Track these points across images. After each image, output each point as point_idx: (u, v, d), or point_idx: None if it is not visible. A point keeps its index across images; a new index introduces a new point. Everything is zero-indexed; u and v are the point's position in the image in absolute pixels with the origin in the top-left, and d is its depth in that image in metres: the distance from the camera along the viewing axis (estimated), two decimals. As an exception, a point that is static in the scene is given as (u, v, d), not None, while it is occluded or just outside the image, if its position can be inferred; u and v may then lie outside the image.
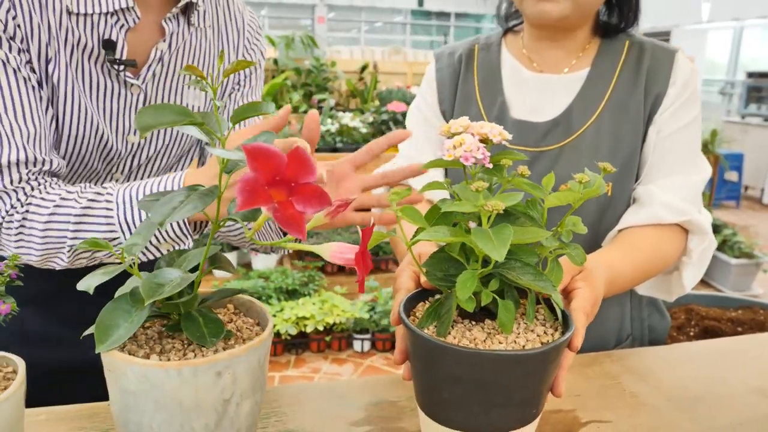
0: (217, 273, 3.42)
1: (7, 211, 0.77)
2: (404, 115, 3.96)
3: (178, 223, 0.75)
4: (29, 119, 0.79)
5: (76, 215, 0.75)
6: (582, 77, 1.02)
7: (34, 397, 0.69)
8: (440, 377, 0.60)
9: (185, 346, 0.56)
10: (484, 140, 0.63)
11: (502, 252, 0.50)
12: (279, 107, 4.41)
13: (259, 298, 3.28)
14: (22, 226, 0.77)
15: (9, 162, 0.76)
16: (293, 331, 3.06)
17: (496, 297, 0.60)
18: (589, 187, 0.62)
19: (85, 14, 0.82)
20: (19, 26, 0.78)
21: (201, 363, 0.51)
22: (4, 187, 0.76)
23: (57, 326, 0.98)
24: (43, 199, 0.77)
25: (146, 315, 0.53)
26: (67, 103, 0.84)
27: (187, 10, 0.90)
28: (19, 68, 0.78)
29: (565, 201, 0.60)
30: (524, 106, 1.03)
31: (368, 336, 3.13)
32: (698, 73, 1.02)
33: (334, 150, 3.82)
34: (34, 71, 0.81)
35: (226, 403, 0.53)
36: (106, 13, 0.83)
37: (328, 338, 3.14)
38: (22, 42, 0.79)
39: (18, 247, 0.77)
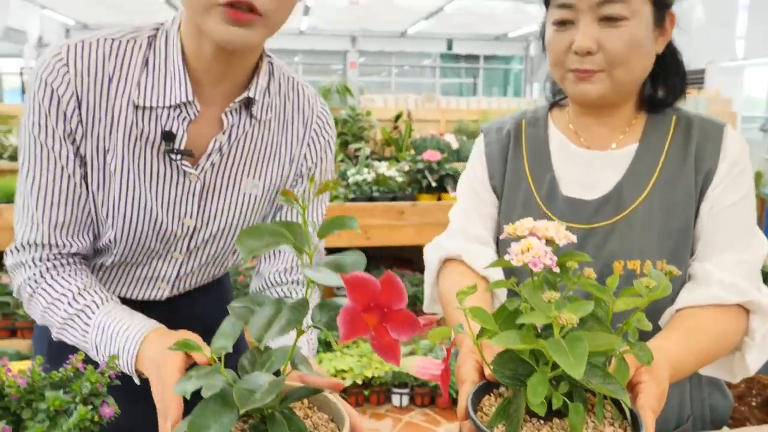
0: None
1: (24, 280, 0.88)
2: (439, 164, 4.02)
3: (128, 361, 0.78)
4: (62, 210, 0.87)
5: (62, 318, 0.85)
6: (630, 153, 1.04)
7: None
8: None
9: (270, 447, 0.59)
10: (549, 241, 0.66)
11: (580, 370, 0.52)
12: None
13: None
14: (29, 301, 0.89)
15: (35, 242, 0.87)
16: None
17: (567, 401, 0.62)
18: (655, 290, 0.63)
19: (150, 108, 0.87)
20: (81, 122, 0.84)
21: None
22: (25, 261, 0.88)
23: None
24: (50, 286, 0.87)
25: (236, 417, 0.56)
26: (122, 189, 0.89)
27: (248, 104, 0.93)
28: (66, 164, 0.85)
29: (632, 305, 0.62)
30: (574, 183, 1.05)
31: (407, 390, 3.11)
32: (747, 146, 1.03)
33: (371, 199, 3.87)
34: (84, 164, 0.87)
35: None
36: (169, 107, 0.87)
37: (366, 392, 3.13)
38: (81, 137, 0.85)
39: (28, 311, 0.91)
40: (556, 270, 0.63)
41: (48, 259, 0.87)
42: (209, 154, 0.92)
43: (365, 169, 4.07)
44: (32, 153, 0.85)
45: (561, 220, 1.01)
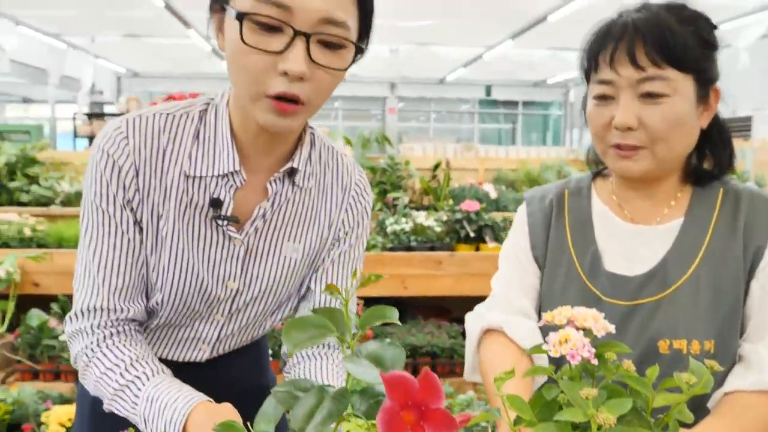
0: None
1: (81, 349, 0.91)
2: (477, 213, 4.02)
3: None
4: (121, 274, 0.91)
5: (113, 389, 0.88)
6: (675, 228, 1.02)
7: None
8: None
9: None
10: (587, 331, 0.66)
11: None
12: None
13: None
14: (84, 370, 0.92)
15: (94, 307, 0.90)
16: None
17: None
18: (696, 386, 0.63)
19: (200, 177, 0.92)
20: (138, 190, 0.90)
21: None
22: (84, 328, 0.91)
23: None
24: (104, 356, 0.90)
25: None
26: (171, 253, 0.94)
27: (291, 173, 0.98)
28: (126, 230, 0.91)
29: (672, 401, 0.61)
30: (617, 257, 1.04)
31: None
32: None
33: (409, 249, 3.89)
34: (141, 230, 0.93)
35: None
36: (218, 176, 0.93)
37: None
38: (138, 204, 0.91)
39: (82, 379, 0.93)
40: (595, 362, 0.63)
41: (105, 326, 0.91)
42: (253, 220, 0.96)
43: (403, 219, 4.11)
44: (94, 221, 0.90)
45: (603, 296, 1.02)
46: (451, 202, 4.47)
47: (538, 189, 1.19)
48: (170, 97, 4.74)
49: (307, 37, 0.80)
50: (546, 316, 0.68)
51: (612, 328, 0.66)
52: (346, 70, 0.87)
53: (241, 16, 0.79)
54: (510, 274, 1.13)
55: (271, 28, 0.80)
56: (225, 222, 0.94)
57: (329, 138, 1.08)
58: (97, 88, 11.61)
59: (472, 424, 0.65)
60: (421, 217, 4.08)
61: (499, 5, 7.10)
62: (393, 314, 0.59)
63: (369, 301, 3.82)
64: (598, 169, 1.15)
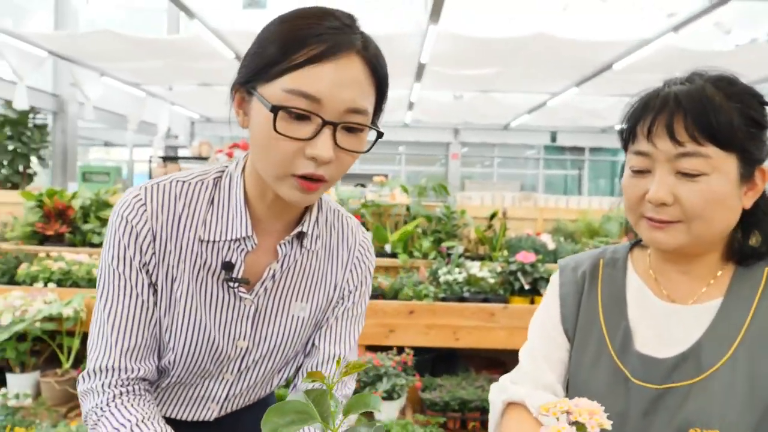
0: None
1: (91, 407, 0.93)
2: (533, 265, 3.93)
3: None
4: (134, 335, 0.94)
5: None
6: (713, 308, 0.96)
7: None
8: None
9: None
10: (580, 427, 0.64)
11: None
12: (410, 253, 4.57)
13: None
14: (94, 427, 0.93)
15: (106, 367, 0.93)
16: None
17: None
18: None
19: (214, 241, 0.96)
20: (154, 254, 0.95)
21: None
22: (95, 387, 0.94)
23: None
24: (112, 415, 0.92)
25: None
26: (185, 314, 0.97)
27: (300, 236, 1.01)
28: (141, 292, 0.94)
29: None
30: (650, 337, 0.98)
31: None
32: None
33: (461, 299, 3.84)
34: (155, 292, 0.96)
35: None
36: (230, 240, 0.96)
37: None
38: (153, 267, 0.95)
39: None
40: (590, 460, 0.61)
41: (116, 386, 0.94)
42: (263, 281, 1.00)
43: (457, 269, 4.07)
44: (111, 283, 0.95)
45: (633, 377, 0.97)
46: (506, 252, 4.40)
47: (572, 258, 1.15)
48: (234, 145, 4.96)
49: (334, 126, 0.84)
50: (542, 407, 0.66)
51: (608, 425, 0.63)
52: (367, 152, 0.91)
53: (276, 109, 0.83)
54: (537, 348, 1.09)
55: (301, 116, 0.84)
56: (236, 284, 0.98)
57: (335, 201, 1.12)
58: (172, 132, 12.30)
59: None
60: (475, 268, 4.03)
61: (563, 54, 7.08)
62: (376, 404, 0.59)
63: (419, 351, 3.77)
64: (636, 239, 1.10)
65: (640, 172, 0.95)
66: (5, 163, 8.06)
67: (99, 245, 4.51)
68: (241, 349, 1.03)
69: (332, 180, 0.89)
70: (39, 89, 9.25)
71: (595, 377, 1.00)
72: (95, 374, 0.95)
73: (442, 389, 3.62)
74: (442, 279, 3.97)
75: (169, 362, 1.01)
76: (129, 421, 0.91)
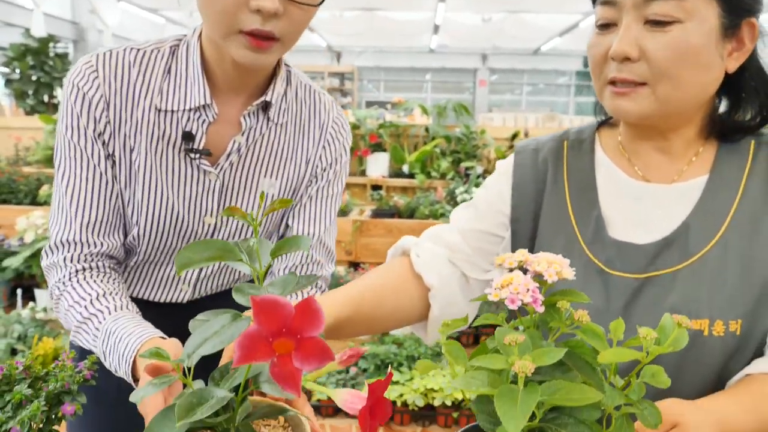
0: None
1: (54, 282, 0.93)
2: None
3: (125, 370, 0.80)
4: (93, 207, 0.92)
5: (78, 321, 0.89)
6: (698, 186, 0.86)
7: None
8: None
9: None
10: (539, 278, 0.59)
11: (516, 424, 0.45)
12: (427, 174, 4.51)
13: (390, 365, 3.29)
14: (57, 302, 0.93)
15: (67, 240, 0.92)
16: (420, 403, 3.02)
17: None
18: (662, 342, 0.54)
19: (171, 111, 0.93)
20: (108, 122, 0.91)
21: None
22: (58, 261, 0.92)
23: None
24: (74, 289, 0.91)
25: (186, 428, 0.56)
26: (145, 187, 0.94)
27: (266, 107, 0.97)
28: (98, 163, 0.92)
29: (624, 358, 0.53)
30: (626, 222, 0.88)
31: (496, 418, 2.98)
32: None
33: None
34: (114, 163, 0.93)
35: None
36: (189, 110, 0.92)
37: (455, 414, 3.04)
38: (109, 137, 0.92)
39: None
40: (540, 309, 0.56)
41: (78, 260, 0.92)
42: (228, 154, 0.96)
43: (474, 188, 4.00)
44: (66, 155, 0.92)
45: (610, 268, 0.87)
46: (526, 172, 4.29)
47: (532, 140, 1.01)
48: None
49: None
50: (497, 258, 0.61)
51: (569, 275, 0.58)
52: (318, 5, 0.84)
53: None
54: (460, 217, 1.00)
55: None
56: (198, 155, 0.94)
57: (307, 77, 1.06)
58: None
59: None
60: (492, 188, 3.95)
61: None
62: (305, 243, 0.54)
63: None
64: (604, 118, 0.97)
65: (605, 27, 0.82)
66: (30, 93, 8.13)
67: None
68: (209, 225, 1.00)
69: (285, 39, 0.83)
70: (57, 17, 9.17)
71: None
72: (57, 249, 0.93)
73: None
74: (459, 198, 3.91)
75: (134, 237, 0.99)
76: (89, 294, 0.90)
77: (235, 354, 0.42)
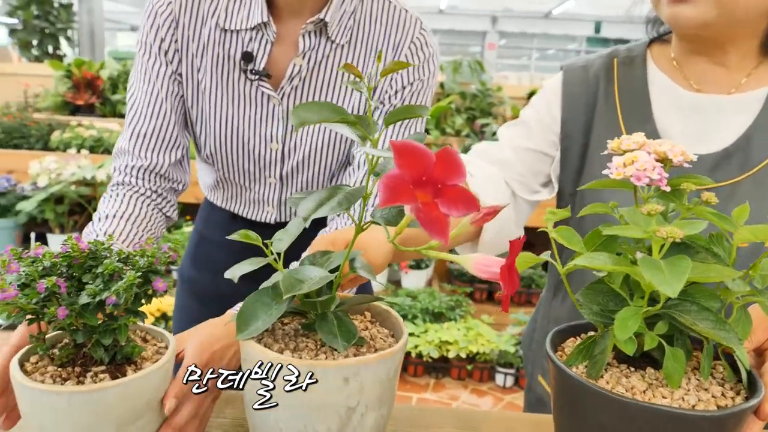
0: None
1: (111, 185, 0.94)
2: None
3: None
4: (145, 121, 0.93)
5: (86, 231, 0.87)
6: (759, 98, 0.83)
7: None
8: (585, 425, 0.53)
9: (318, 347, 0.55)
10: (662, 160, 0.55)
11: (676, 287, 0.42)
12: (442, 130, 4.45)
13: (404, 317, 3.29)
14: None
15: (121, 149, 0.94)
16: (435, 355, 3.03)
17: (663, 342, 0.52)
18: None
19: (234, 31, 0.92)
20: (176, 40, 0.92)
21: (330, 366, 0.49)
22: (115, 167, 0.95)
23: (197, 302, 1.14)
24: (104, 200, 0.91)
25: (284, 309, 0.53)
26: (211, 107, 0.95)
27: (325, 27, 0.92)
28: (156, 79, 0.92)
29: (762, 237, 0.50)
30: (682, 135, 0.86)
31: (512, 371, 2.99)
32: None
33: (493, 175, 3.74)
34: (181, 82, 0.94)
35: (350, 411, 0.51)
36: (251, 29, 0.91)
37: (469, 367, 3.05)
38: (174, 55, 0.93)
39: None
40: (666, 189, 0.52)
41: (123, 170, 0.93)
42: (291, 78, 0.94)
43: (491, 145, 3.95)
44: (135, 69, 0.95)
45: None
46: (543, 131, 4.23)
47: (578, 58, 0.99)
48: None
49: None
50: (612, 143, 0.58)
51: (693, 156, 0.55)
52: None
53: None
54: (510, 135, 0.97)
55: None
56: (257, 76, 0.93)
57: None
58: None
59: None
60: (510, 144, 3.90)
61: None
62: (424, 111, 0.51)
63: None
64: (655, 33, 0.94)
65: None
66: (35, 43, 7.97)
67: (129, 115, 4.48)
68: (276, 151, 0.98)
69: None
70: (62, -35, 8.94)
71: (616, 193, 0.90)
72: (115, 156, 0.96)
73: (472, 262, 3.62)
74: (475, 154, 3.85)
75: (207, 156, 1.00)
76: (104, 212, 0.89)
77: (380, 195, 0.39)
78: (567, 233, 0.55)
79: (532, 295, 3.49)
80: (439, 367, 3.09)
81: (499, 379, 3.01)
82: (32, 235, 3.54)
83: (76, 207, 3.86)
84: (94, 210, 3.79)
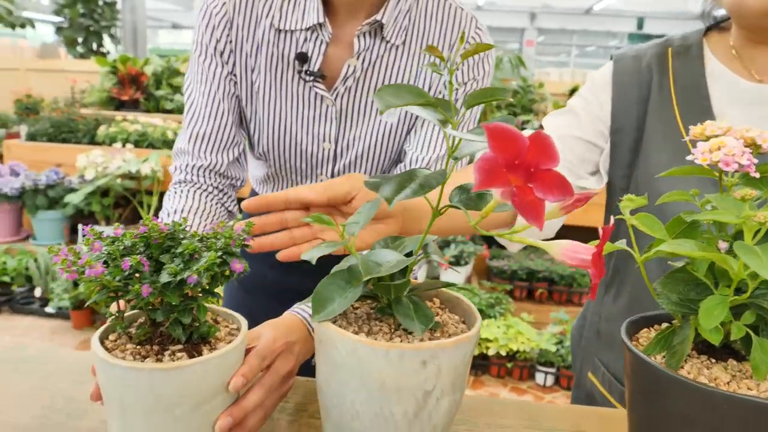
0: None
1: (172, 184, 0.95)
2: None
3: None
4: (203, 122, 0.94)
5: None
6: None
7: None
8: (665, 416, 0.51)
9: (392, 330, 0.55)
10: (750, 146, 0.53)
11: (777, 271, 0.41)
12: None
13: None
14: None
15: (179, 149, 0.95)
16: (475, 352, 3.01)
17: (751, 332, 0.50)
18: None
19: (289, 31, 0.92)
20: (230, 41, 0.93)
21: (408, 348, 0.49)
22: (175, 167, 0.96)
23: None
24: (169, 198, 0.92)
25: (360, 292, 0.53)
26: (265, 107, 0.95)
27: (381, 28, 0.91)
28: (212, 80, 0.93)
29: None
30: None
31: (553, 370, 2.95)
32: None
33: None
34: (236, 82, 0.95)
35: (427, 394, 0.51)
36: (306, 29, 0.91)
37: (509, 365, 3.03)
38: (230, 55, 0.93)
39: None
40: (756, 175, 0.51)
41: (183, 170, 0.94)
42: (344, 79, 0.93)
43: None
44: (192, 70, 0.96)
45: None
46: (585, 127, 4.16)
47: (628, 47, 0.95)
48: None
49: None
50: (695, 129, 0.56)
51: (780, 145, 0.53)
52: None
53: None
54: (558, 124, 0.94)
55: None
56: (311, 77, 0.92)
57: None
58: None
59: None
60: (551, 141, 3.84)
61: None
62: (505, 94, 0.50)
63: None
64: (711, 21, 0.91)
65: None
66: (80, 40, 8.20)
67: (171, 111, 4.56)
68: (329, 151, 0.98)
69: None
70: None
71: (676, 187, 0.86)
72: (174, 157, 0.98)
73: (510, 259, 3.58)
74: (515, 151, 3.81)
75: (260, 154, 1.01)
76: (171, 208, 0.90)
77: (475, 178, 0.39)
78: (649, 220, 0.53)
79: (573, 294, 3.44)
80: (479, 365, 3.07)
81: (539, 377, 2.98)
82: (80, 227, 3.64)
83: (121, 200, 3.96)
84: (139, 203, 3.89)
